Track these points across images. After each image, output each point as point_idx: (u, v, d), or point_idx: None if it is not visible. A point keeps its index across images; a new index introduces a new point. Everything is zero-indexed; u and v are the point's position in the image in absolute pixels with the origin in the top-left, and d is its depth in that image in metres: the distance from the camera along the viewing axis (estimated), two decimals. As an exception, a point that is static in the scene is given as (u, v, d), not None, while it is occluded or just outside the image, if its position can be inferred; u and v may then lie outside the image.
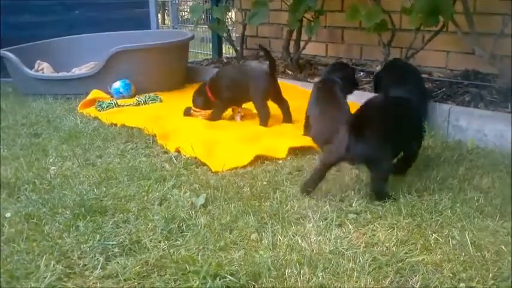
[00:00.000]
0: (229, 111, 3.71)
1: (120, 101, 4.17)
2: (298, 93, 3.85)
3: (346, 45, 4.78)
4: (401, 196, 2.28)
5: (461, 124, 3.06)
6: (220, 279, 1.71)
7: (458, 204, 2.18)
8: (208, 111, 3.68)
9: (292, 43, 4.71)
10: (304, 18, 4.39)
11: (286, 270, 1.75)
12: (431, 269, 1.75)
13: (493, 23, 3.52)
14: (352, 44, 4.72)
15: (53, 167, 2.80)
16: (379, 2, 3.93)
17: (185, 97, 4.41)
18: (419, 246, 1.89)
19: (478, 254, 1.82)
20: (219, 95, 3.62)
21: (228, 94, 3.59)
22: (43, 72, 4.81)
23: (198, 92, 3.73)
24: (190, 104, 3.79)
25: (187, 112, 3.76)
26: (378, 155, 2.26)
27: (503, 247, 1.86)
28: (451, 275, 1.72)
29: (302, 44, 4.63)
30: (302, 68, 4.68)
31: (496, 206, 2.16)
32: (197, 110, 3.72)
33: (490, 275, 1.71)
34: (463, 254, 1.83)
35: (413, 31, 3.74)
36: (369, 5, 3.87)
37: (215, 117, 3.64)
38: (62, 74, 4.80)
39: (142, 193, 2.42)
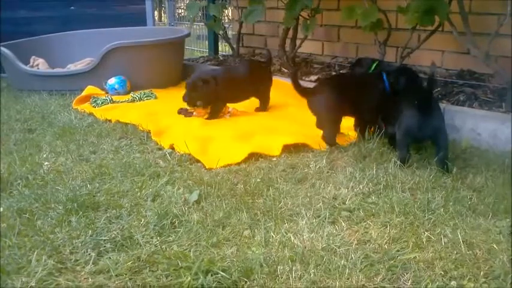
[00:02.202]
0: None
1: (115, 98, 4.16)
2: (293, 91, 3.84)
3: (342, 44, 4.78)
4: (394, 194, 2.28)
5: (456, 123, 3.06)
6: (212, 275, 1.71)
7: (451, 203, 2.19)
8: (202, 111, 3.65)
9: (288, 41, 4.70)
10: (300, 17, 4.38)
11: (278, 267, 1.75)
12: (422, 267, 1.75)
13: (488, 23, 3.53)
14: (348, 43, 4.72)
15: (47, 163, 2.79)
16: (375, 1, 3.93)
17: (180, 94, 4.40)
18: (411, 244, 1.89)
19: (470, 252, 1.83)
20: (226, 93, 3.63)
21: (236, 92, 3.68)
22: (38, 68, 4.80)
23: (201, 88, 3.59)
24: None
25: (185, 112, 3.72)
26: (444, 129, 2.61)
27: (494, 245, 1.86)
28: (442, 272, 1.72)
29: (298, 42, 4.63)
30: (298, 66, 4.68)
31: (488, 205, 2.17)
32: (192, 109, 3.68)
33: (481, 273, 1.71)
34: (455, 252, 1.83)
35: (409, 30, 3.74)
36: (365, 4, 3.87)
37: (215, 115, 3.62)
38: (57, 70, 4.79)
39: (136, 189, 2.41)
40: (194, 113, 3.65)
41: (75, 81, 4.45)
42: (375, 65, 3.29)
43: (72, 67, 4.87)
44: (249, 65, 3.98)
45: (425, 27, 3.57)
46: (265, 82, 3.83)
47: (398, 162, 2.60)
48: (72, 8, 5.99)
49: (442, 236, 1.94)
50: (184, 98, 3.55)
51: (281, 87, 3.91)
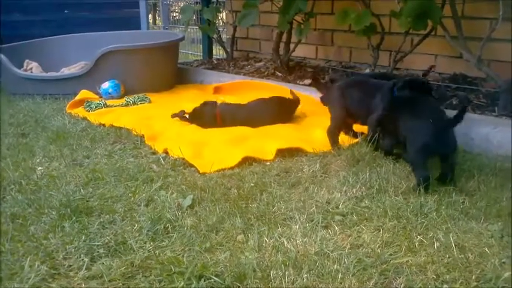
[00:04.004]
0: None
1: (109, 102, 4.15)
2: (287, 95, 3.85)
3: (335, 48, 4.80)
4: (387, 198, 2.29)
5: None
6: (205, 280, 1.71)
7: (443, 207, 2.20)
8: None
9: (282, 45, 4.72)
10: (294, 21, 4.40)
11: (272, 272, 1.75)
12: (415, 271, 1.76)
13: (481, 28, 3.56)
14: (341, 47, 4.74)
15: (40, 167, 2.78)
16: (368, 6, 3.95)
17: (175, 98, 4.42)
18: (404, 248, 1.90)
19: (462, 256, 1.83)
20: None
21: None
22: (32, 72, 4.78)
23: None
24: (180, 105, 3.76)
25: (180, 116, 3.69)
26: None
27: (486, 249, 1.87)
28: (434, 276, 1.73)
29: (292, 46, 4.65)
30: (292, 70, 4.70)
31: (480, 209, 2.18)
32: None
33: (473, 276, 1.72)
34: (447, 256, 1.84)
35: (402, 34, 3.77)
36: (358, 8, 3.89)
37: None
38: (51, 74, 4.78)
39: (129, 194, 2.41)
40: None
41: (69, 85, 4.44)
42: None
43: (66, 71, 4.86)
44: None
45: (418, 32, 3.60)
46: None
47: (421, 185, 2.35)
48: (66, 11, 5.98)
49: (434, 240, 1.95)
50: None
51: (275, 91, 3.92)
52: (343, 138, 3.04)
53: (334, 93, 3.08)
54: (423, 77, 3.37)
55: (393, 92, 2.70)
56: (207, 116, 3.47)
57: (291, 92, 3.68)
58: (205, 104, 3.55)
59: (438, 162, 2.49)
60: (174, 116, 3.58)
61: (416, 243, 1.93)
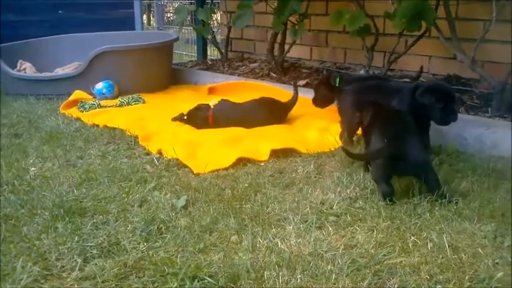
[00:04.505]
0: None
1: (102, 102, 4.14)
2: (282, 96, 3.85)
3: (330, 49, 4.81)
4: (381, 199, 2.29)
5: (442, 128, 3.07)
6: (198, 281, 1.71)
7: (437, 208, 2.20)
8: None
9: (276, 46, 4.72)
10: (288, 21, 4.41)
11: (265, 273, 1.75)
12: (408, 271, 1.76)
13: (475, 29, 3.57)
14: (336, 48, 4.75)
15: (33, 168, 2.77)
16: (362, 7, 3.96)
17: (169, 98, 4.41)
18: (397, 248, 1.90)
19: (455, 256, 1.84)
20: None
21: None
22: (25, 72, 4.77)
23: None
24: (174, 106, 3.76)
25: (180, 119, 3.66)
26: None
27: (480, 250, 1.88)
28: (428, 277, 1.73)
29: (286, 47, 4.65)
30: (286, 71, 4.70)
31: (473, 209, 2.18)
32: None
33: (467, 277, 1.72)
34: (441, 256, 1.85)
35: (396, 36, 3.78)
36: (352, 9, 3.90)
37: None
38: (45, 74, 4.76)
39: (123, 195, 2.40)
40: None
41: (63, 86, 4.42)
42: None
43: (60, 71, 4.84)
44: None
45: (412, 33, 3.61)
46: None
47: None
48: (60, 12, 5.96)
49: (428, 241, 1.95)
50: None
51: (270, 92, 3.92)
52: (337, 139, 3.04)
53: (346, 97, 3.01)
54: (446, 83, 3.11)
55: (414, 96, 2.62)
56: (200, 119, 3.46)
57: (294, 87, 3.60)
58: (198, 107, 3.53)
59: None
60: (174, 119, 3.55)
61: (410, 244, 1.93)
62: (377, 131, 2.41)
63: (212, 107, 3.53)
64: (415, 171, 2.32)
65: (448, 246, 1.89)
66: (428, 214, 2.15)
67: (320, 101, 3.47)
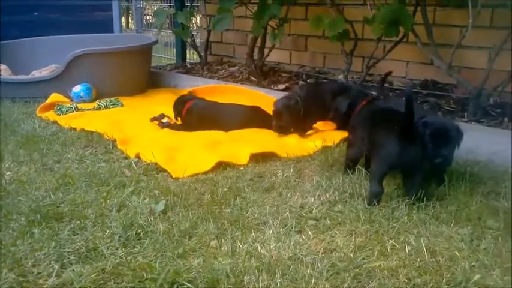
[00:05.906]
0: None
1: (80, 105, 4.10)
2: (261, 99, 3.86)
3: (309, 53, 4.84)
4: (360, 202, 2.31)
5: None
6: (178, 287, 1.70)
7: (414, 211, 2.22)
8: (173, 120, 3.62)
9: (256, 50, 4.73)
10: (268, 26, 4.42)
11: (245, 277, 1.74)
12: (387, 275, 1.78)
13: (452, 35, 3.63)
14: (315, 52, 4.78)
15: (9, 172, 2.73)
16: (342, 12, 4.00)
17: (147, 102, 4.38)
18: (376, 252, 1.91)
19: (433, 259, 1.86)
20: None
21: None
22: (0, 75, 4.68)
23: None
24: (152, 109, 3.73)
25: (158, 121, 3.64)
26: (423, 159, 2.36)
27: (456, 253, 1.90)
28: (406, 280, 1.75)
29: (266, 51, 4.66)
30: (266, 74, 4.71)
31: (450, 213, 2.21)
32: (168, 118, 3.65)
33: (444, 280, 1.74)
34: (419, 259, 1.86)
35: (374, 41, 3.82)
36: (332, 14, 3.93)
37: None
38: (21, 77, 4.68)
39: (101, 199, 2.37)
40: (165, 121, 3.62)
41: (39, 89, 4.36)
42: None
43: (37, 74, 4.77)
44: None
45: (391, 38, 3.65)
46: None
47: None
48: (35, 13, 5.88)
49: (406, 244, 1.97)
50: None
51: (250, 96, 3.92)
52: (317, 143, 3.05)
53: (357, 121, 2.77)
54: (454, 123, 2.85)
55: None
56: (176, 110, 3.55)
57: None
58: (181, 97, 3.63)
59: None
60: (153, 119, 3.55)
61: (389, 247, 1.95)
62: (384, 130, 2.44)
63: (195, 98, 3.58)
64: (412, 164, 2.33)
65: (426, 249, 1.91)
66: (406, 218, 2.17)
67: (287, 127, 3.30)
